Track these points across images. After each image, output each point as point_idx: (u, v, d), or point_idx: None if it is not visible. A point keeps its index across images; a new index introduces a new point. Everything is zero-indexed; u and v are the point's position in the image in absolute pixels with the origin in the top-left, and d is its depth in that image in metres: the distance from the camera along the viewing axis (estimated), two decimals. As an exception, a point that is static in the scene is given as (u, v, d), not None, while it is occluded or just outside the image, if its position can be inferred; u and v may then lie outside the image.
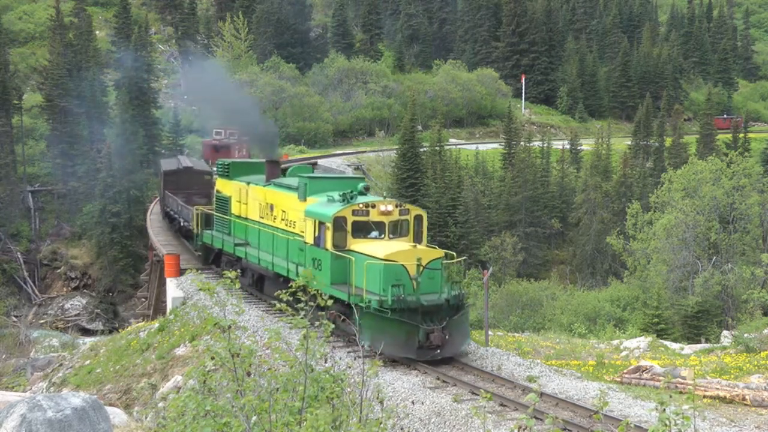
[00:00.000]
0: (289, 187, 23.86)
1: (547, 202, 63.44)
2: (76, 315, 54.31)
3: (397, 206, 20.83)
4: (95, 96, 65.26)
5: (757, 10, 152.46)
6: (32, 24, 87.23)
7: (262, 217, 25.29)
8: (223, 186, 29.37)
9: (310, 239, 21.30)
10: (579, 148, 76.12)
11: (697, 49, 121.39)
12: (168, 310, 30.17)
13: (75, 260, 58.07)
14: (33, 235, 59.76)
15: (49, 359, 34.50)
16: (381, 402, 8.04)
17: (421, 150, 61.52)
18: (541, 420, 13.77)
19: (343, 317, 19.48)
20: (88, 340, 37.82)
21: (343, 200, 20.73)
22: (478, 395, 16.72)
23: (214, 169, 49.83)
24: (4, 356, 39.26)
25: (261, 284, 26.16)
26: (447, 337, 18.96)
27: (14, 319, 50.24)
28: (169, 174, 41.74)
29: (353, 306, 19.04)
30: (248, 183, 26.62)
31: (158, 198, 47.35)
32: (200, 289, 7.68)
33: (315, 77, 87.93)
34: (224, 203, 28.73)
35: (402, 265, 18.97)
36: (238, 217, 27.31)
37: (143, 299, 45.13)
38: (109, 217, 55.26)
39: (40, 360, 35.19)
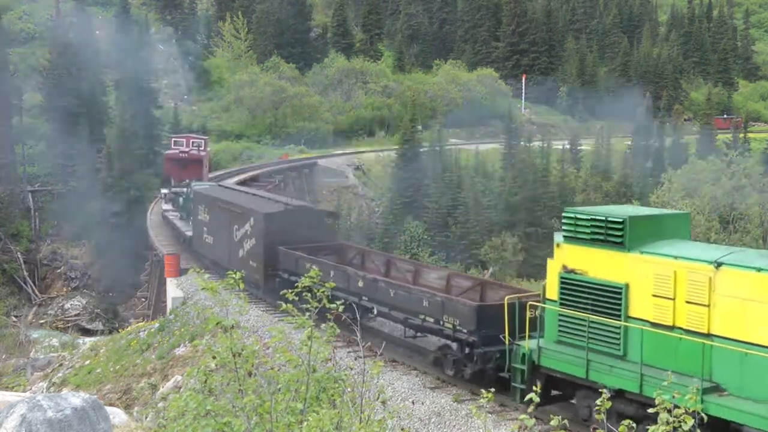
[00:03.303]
0: None
1: (547, 202, 63.35)
2: (76, 315, 54.24)
3: None
4: (95, 96, 65.21)
5: (757, 10, 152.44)
6: (32, 24, 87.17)
7: None
8: (591, 260, 15.29)
9: None
10: (579, 148, 76.09)
11: (697, 49, 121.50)
12: (168, 310, 30.20)
13: (75, 260, 58.02)
14: (33, 235, 59.69)
15: (49, 359, 34.50)
16: (384, 403, 8.01)
17: (421, 150, 61.52)
18: (542, 420, 13.79)
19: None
20: (88, 340, 37.85)
21: None
22: (478, 395, 16.69)
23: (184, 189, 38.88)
24: (4, 356, 39.22)
25: None
26: None
27: (14, 319, 50.20)
28: (274, 218, 26.93)
29: None
30: (716, 264, 13.30)
31: (225, 243, 30.14)
32: (202, 289, 7.65)
33: (315, 77, 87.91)
34: (601, 295, 15.00)
35: None
36: (662, 327, 13.99)
37: (143, 299, 45.16)
38: (109, 217, 55.21)
39: (40, 360, 35.18)
